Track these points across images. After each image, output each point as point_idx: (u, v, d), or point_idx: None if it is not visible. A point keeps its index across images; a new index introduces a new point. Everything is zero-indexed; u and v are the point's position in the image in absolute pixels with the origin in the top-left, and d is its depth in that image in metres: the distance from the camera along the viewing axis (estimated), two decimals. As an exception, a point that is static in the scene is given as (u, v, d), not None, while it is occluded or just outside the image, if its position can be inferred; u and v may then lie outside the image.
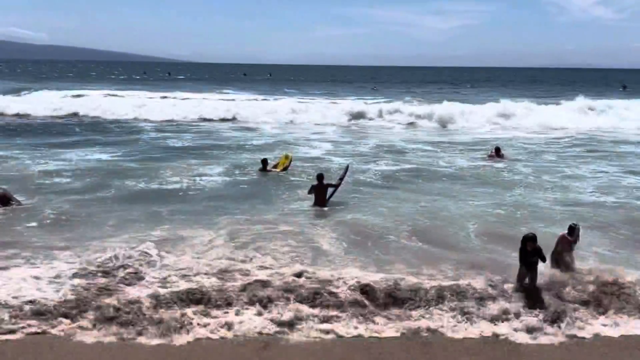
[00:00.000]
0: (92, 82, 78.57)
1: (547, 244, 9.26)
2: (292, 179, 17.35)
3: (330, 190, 14.10)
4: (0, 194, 13.43)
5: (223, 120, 35.47)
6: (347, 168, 16.03)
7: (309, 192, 14.05)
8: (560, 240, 9.48)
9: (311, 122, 34.51)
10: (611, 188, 16.70)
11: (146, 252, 9.88)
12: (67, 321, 7.66)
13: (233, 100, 46.80)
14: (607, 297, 8.57)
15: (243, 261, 9.84)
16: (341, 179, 15.00)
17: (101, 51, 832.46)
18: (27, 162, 19.62)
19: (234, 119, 35.59)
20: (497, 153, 21.73)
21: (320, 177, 13.99)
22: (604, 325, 8.03)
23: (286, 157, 18.89)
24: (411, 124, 34.76)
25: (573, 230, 9.48)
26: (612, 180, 18.09)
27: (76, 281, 8.78)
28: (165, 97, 47.34)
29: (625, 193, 16.06)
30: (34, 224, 12.25)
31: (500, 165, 20.55)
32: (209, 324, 7.72)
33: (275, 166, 18.45)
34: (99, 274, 9.09)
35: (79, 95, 46.39)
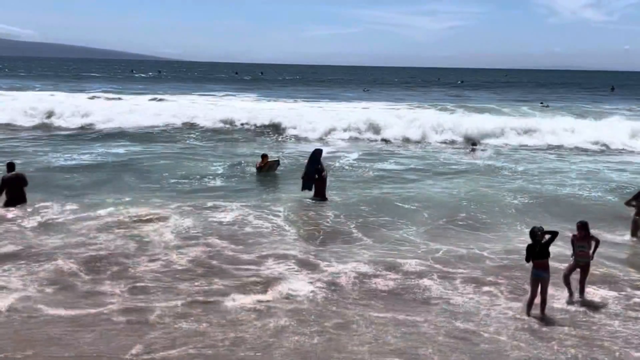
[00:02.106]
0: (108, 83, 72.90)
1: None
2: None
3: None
4: (19, 175, 12.68)
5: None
6: (313, 155, 14.70)
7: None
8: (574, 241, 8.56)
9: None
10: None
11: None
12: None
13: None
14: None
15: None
16: (307, 170, 14.51)
17: (90, 48, 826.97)
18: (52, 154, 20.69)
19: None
20: (474, 147, 23.17)
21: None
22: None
23: (277, 162, 18.43)
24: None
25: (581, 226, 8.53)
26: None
27: None
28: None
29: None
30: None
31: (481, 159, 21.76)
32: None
33: (265, 166, 17.81)
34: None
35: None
